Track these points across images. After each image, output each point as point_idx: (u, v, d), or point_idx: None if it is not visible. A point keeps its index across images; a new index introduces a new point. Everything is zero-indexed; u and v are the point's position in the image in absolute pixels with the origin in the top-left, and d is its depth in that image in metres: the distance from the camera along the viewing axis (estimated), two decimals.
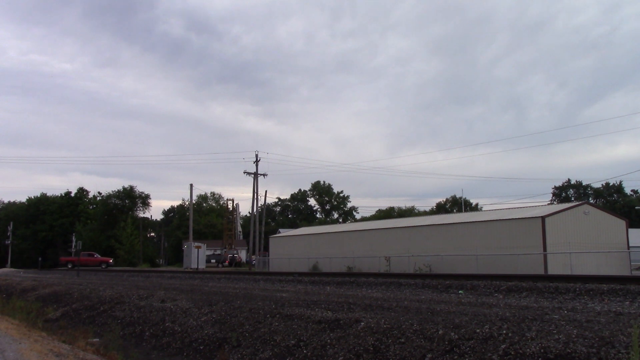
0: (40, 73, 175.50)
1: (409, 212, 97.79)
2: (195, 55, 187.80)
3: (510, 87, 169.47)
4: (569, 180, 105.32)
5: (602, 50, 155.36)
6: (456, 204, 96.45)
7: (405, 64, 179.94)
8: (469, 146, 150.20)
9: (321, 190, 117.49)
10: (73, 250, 72.62)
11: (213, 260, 67.60)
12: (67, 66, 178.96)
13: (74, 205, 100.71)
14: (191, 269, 49.75)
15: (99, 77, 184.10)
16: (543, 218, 33.08)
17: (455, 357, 6.49)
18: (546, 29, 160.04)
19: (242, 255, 73.30)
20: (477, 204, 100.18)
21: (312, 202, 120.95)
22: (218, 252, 70.43)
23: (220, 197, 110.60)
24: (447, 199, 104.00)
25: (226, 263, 64.99)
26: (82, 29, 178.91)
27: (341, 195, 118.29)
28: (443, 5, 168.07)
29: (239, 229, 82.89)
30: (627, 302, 10.50)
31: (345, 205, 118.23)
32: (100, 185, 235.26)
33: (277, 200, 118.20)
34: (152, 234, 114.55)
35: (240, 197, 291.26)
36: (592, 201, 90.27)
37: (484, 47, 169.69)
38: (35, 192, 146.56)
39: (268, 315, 10.38)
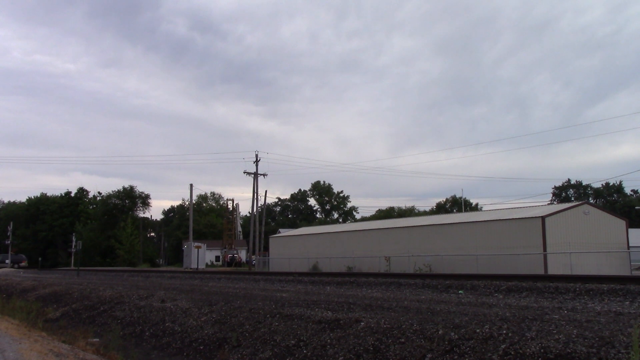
0: (43, 73, 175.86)
1: (409, 212, 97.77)
2: (199, 55, 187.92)
3: (514, 87, 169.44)
4: (569, 180, 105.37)
5: (607, 50, 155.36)
6: (456, 204, 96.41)
7: (409, 64, 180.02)
8: (472, 146, 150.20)
9: (321, 190, 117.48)
10: (73, 250, 72.62)
11: None
12: (71, 66, 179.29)
13: (74, 205, 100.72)
14: (191, 269, 49.74)
15: (102, 77, 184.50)
16: (543, 218, 33.07)
17: (455, 357, 6.49)
18: (551, 28, 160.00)
19: (242, 255, 73.29)
20: (477, 204, 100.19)
21: (312, 202, 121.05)
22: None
23: (220, 197, 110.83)
24: (447, 199, 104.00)
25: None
26: (86, 29, 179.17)
27: (341, 195, 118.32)
28: (448, 5, 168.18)
29: (239, 229, 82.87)
30: (627, 302, 10.49)
31: (345, 205, 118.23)
32: (102, 185, 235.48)
33: (277, 200, 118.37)
34: (152, 234, 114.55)
35: (241, 197, 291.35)
36: (592, 201, 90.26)
37: (489, 47, 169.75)
38: (36, 192, 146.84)
39: (268, 315, 10.38)
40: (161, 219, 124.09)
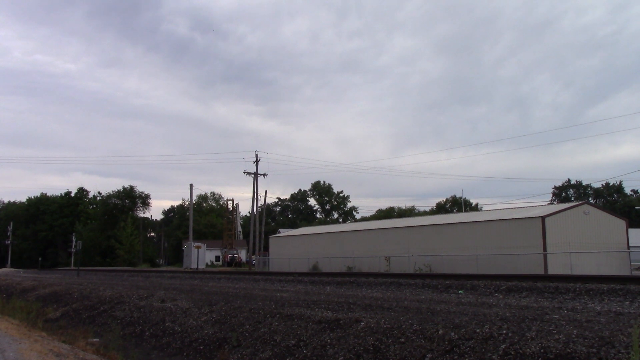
0: (44, 73, 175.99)
1: (409, 212, 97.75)
2: (200, 55, 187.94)
3: (514, 87, 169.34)
4: (569, 180, 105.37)
5: (608, 50, 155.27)
6: (456, 204, 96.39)
7: (410, 64, 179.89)
8: (472, 146, 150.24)
9: (321, 190, 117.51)
10: (73, 250, 72.63)
11: None
12: (71, 66, 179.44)
13: (74, 205, 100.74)
14: (191, 269, 49.74)
15: (102, 77, 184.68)
16: (543, 218, 33.06)
17: (455, 357, 6.49)
18: (552, 28, 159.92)
19: (242, 255, 73.30)
20: (477, 204, 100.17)
21: (312, 202, 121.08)
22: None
23: (220, 197, 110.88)
24: (447, 199, 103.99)
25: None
26: (86, 29, 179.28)
27: (341, 195, 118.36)
28: (449, 5, 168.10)
29: (239, 229, 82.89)
30: (627, 302, 10.50)
31: (345, 205, 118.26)
32: (102, 185, 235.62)
33: (277, 200, 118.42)
34: (152, 234, 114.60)
35: (241, 197, 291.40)
36: (592, 201, 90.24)
37: (489, 47, 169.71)
38: (36, 192, 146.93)
39: (268, 315, 10.38)
40: (161, 219, 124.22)
